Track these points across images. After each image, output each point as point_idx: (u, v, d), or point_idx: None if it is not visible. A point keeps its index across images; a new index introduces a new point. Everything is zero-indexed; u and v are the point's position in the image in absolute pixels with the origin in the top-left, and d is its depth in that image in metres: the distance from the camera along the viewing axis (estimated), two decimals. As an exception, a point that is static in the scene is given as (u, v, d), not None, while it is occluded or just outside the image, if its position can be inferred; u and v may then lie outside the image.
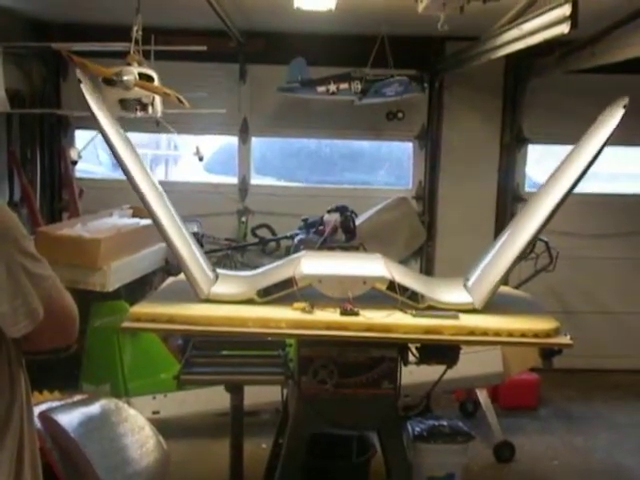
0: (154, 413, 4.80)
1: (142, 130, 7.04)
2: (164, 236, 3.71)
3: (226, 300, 3.66)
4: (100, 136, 4.61)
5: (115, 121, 3.79)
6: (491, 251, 4.07)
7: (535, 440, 5.64)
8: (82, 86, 3.56)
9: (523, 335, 3.45)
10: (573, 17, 3.46)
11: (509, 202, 7.23)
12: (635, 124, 6.89)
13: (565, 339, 3.50)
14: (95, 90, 3.68)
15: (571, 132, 7.01)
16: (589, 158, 3.58)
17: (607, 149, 7.67)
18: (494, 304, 3.67)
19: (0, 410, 1.77)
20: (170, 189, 7.16)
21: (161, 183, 7.88)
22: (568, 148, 7.72)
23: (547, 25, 3.78)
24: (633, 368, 7.15)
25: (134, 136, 7.82)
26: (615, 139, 7.37)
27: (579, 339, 4.38)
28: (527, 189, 7.41)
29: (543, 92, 6.92)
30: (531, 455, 5.38)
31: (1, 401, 1.77)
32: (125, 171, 3.62)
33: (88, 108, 3.59)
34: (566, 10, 3.47)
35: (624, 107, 3.57)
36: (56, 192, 6.98)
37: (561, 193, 3.63)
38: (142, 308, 3.54)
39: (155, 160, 8.70)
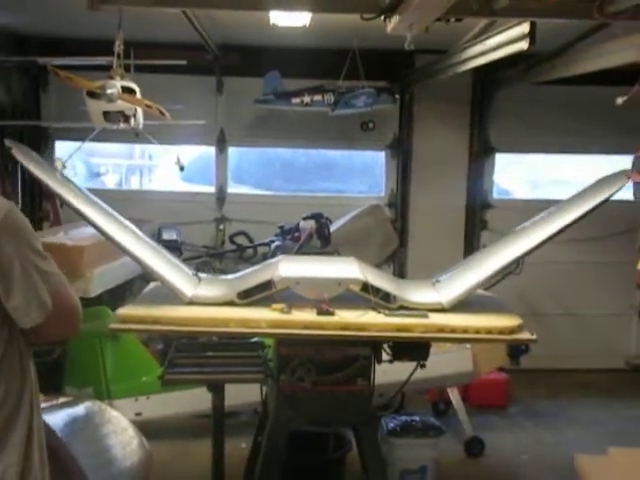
0: (137, 415, 4.91)
1: (121, 140, 7.19)
2: (137, 261, 3.95)
3: (208, 302, 3.84)
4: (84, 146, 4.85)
5: (56, 170, 4.01)
6: (469, 260, 4.33)
7: (504, 436, 5.87)
8: (13, 152, 3.75)
9: (489, 332, 3.68)
10: (532, 35, 3.70)
11: (478, 209, 7.49)
12: (598, 134, 7.25)
13: (528, 335, 3.72)
14: (27, 151, 3.87)
15: (536, 141, 7.39)
16: (581, 212, 3.94)
17: (573, 157, 7.97)
18: (461, 303, 3.90)
19: (12, 395, 1.94)
20: (150, 198, 7.42)
21: (140, 193, 8.12)
22: (533, 156, 8.03)
23: (508, 41, 4.02)
24: (597, 367, 7.41)
25: (113, 146, 8.04)
26: (583, 148, 7.69)
27: (546, 340, 4.60)
28: (495, 196, 7.68)
29: (509, 103, 7.19)
30: (500, 450, 5.60)
31: (13, 387, 1.95)
32: (83, 216, 3.89)
33: (29, 171, 3.81)
34: (525, 28, 3.72)
35: (628, 177, 3.84)
36: (37, 202, 7.08)
37: (549, 232, 3.96)
38: (129, 310, 3.71)
39: (130, 170, 8.84)
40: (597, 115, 7.06)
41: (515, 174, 8.23)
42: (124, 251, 3.91)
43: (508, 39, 4.02)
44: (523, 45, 3.78)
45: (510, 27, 3.94)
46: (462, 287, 3.96)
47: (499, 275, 4.05)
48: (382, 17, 3.09)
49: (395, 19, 2.96)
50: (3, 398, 1.92)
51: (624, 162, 7.90)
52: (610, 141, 7.27)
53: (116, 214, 4.15)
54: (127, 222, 4.15)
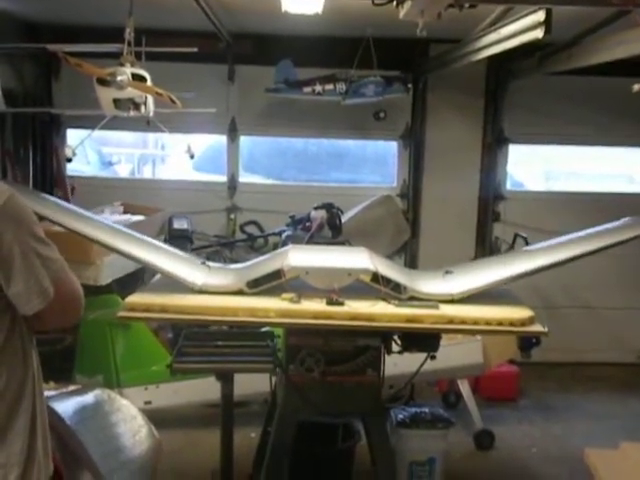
0: (146, 403, 4.93)
1: (133, 129, 7.19)
2: (142, 263, 4.08)
3: (217, 291, 3.83)
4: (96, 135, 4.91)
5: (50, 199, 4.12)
6: (483, 260, 4.32)
7: (514, 429, 5.84)
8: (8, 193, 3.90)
9: (499, 324, 3.64)
10: (547, 23, 3.64)
11: (491, 200, 7.42)
12: (613, 125, 7.18)
13: (540, 327, 3.68)
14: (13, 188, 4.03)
15: (550, 132, 7.32)
16: (596, 246, 4.01)
17: (588, 149, 7.91)
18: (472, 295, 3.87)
19: (15, 382, 1.93)
20: (161, 187, 7.42)
21: (152, 182, 8.14)
22: (548, 148, 7.96)
23: (523, 30, 3.96)
24: (610, 361, 7.36)
25: (126, 136, 8.07)
26: (598, 140, 7.62)
27: (559, 333, 4.56)
28: (509, 187, 7.61)
29: (524, 93, 7.12)
30: (510, 443, 5.56)
31: (15, 374, 1.94)
32: (80, 233, 3.96)
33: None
34: (540, 16, 3.65)
35: None
36: (48, 189, 7.07)
37: (565, 256, 4.08)
38: (137, 298, 3.70)
39: (143, 159, 8.85)
40: (613, 106, 6.98)
41: (529, 166, 8.16)
42: (136, 260, 4.02)
43: (523, 27, 3.95)
44: (538, 33, 3.72)
45: (525, 15, 3.88)
46: (473, 282, 3.94)
47: (508, 282, 4.05)
48: (394, 3, 3.05)
49: (407, 5, 2.92)
50: (5, 385, 1.91)
51: (640, 154, 7.84)
52: (627, 133, 7.20)
53: (118, 226, 4.28)
54: (123, 228, 4.26)
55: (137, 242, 4.14)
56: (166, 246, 4.38)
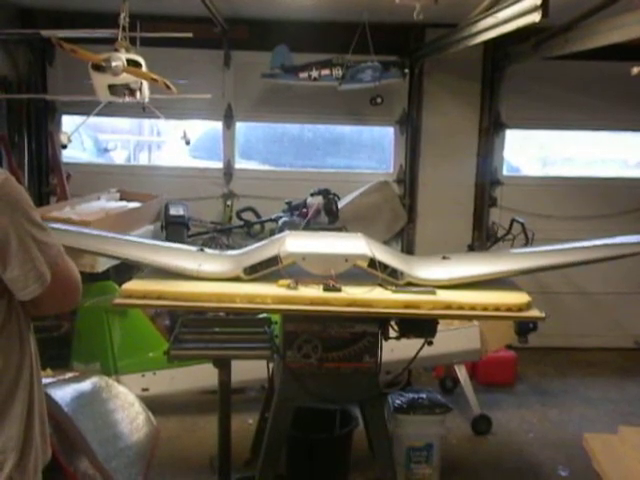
0: (144, 390, 4.93)
1: (128, 115, 7.16)
2: (138, 263, 4.11)
3: (214, 278, 3.82)
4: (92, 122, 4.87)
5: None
6: (481, 253, 4.29)
7: (511, 414, 5.84)
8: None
9: (497, 309, 3.64)
10: (544, 6, 3.61)
11: (487, 185, 7.40)
12: (609, 110, 7.17)
13: (537, 312, 3.67)
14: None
15: (547, 117, 7.30)
16: (590, 256, 4.07)
17: (584, 134, 7.91)
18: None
19: (11, 368, 1.92)
20: (157, 173, 7.40)
21: (148, 168, 8.12)
22: (544, 133, 7.95)
23: (519, 14, 3.93)
24: (607, 346, 7.38)
25: (121, 122, 8.02)
26: (595, 125, 7.61)
27: (555, 319, 4.56)
28: (506, 173, 7.59)
29: (520, 78, 7.09)
30: (507, 428, 5.58)
31: (12, 360, 1.93)
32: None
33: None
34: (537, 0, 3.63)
35: None
36: (44, 176, 7.06)
37: (560, 260, 4.06)
38: (134, 285, 3.69)
39: (139, 146, 8.81)
40: (610, 91, 6.98)
41: (526, 151, 8.14)
42: (133, 263, 4.11)
43: (520, 11, 3.92)
44: (535, 17, 3.69)
45: (522, -2, 3.85)
46: (469, 271, 3.94)
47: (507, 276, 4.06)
48: (391, -14, 3.03)
49: (404, -12, 2.89)
50: (2, 371, 1.89)
51: (636, 139, 7.85)
52: (623, 117, 7.18)
53: (105, 233, 4.32)
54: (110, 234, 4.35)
55: (128, 244, 4.16)
56: (158, 242, 4.39)
